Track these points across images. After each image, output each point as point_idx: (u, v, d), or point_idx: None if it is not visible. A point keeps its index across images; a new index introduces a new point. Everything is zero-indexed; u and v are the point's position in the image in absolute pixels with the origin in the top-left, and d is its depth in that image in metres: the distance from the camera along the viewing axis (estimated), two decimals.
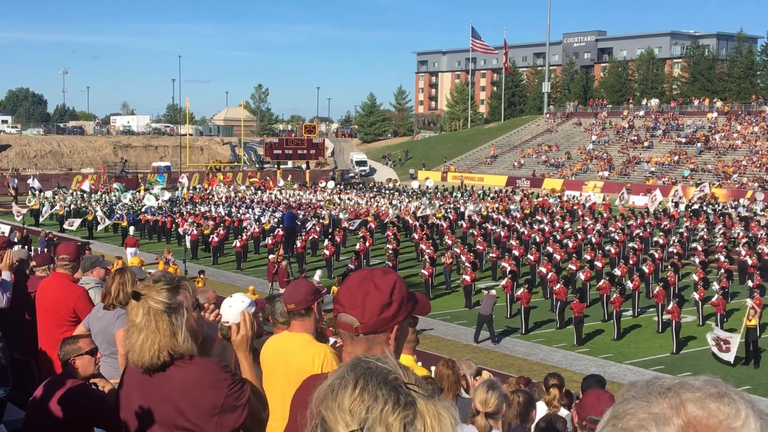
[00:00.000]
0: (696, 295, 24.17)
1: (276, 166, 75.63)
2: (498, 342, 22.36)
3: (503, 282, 25.81)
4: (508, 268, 27.59)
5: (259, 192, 61.41)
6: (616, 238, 33.41)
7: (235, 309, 4.08)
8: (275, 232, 36.00)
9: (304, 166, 76.73)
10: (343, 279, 20.28)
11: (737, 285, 27.97)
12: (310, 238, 35.53)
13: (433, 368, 7.00)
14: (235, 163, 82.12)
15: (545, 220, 39.29)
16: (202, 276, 26.14)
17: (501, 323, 23.83)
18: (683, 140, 68.17)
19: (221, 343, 4.03)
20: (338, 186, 66.80)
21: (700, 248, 31.13)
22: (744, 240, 32.91)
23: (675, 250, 31.30)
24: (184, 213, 44.68)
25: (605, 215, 41.68)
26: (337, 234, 35.06)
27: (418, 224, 38.54)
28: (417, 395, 1.29)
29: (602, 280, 25.29)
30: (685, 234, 35.39)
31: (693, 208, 45.23)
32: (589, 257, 29.48)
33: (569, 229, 36.22)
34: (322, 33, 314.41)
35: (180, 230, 38.35)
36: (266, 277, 29.19)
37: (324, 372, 3.28)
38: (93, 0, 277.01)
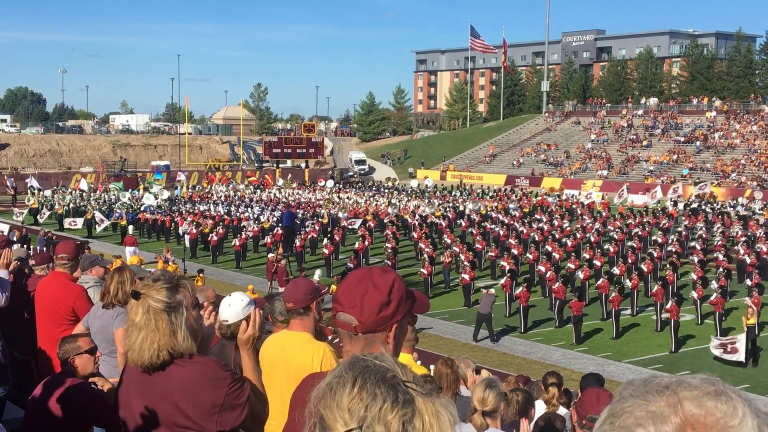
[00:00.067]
0: (695, 294, 24.19)
1: (275, 165, 75.61)
2: (497, 341, 22.37)
3: (502, 281, 25.81)
4: (507, 267, 27.60)
5: (258, 191, 61.40)
6: (615, 236, 33.42)
7: (234, 308, 4.08)
8: (274, 231, 36.00)
9: (303, 165, 76.71)
10: (341, 278, 20.28)
11: (736, 284, 27.98)
12: (309, 237, 35.53)
13: (432, 367, 7.00)
14: (235, 162, 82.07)
15: (544, 219, 39.28)
16: (201, 275, 26.12)
17: (500, 322, 23.83)
18: (682, 139, 68.19)
19: (220, 341, 4.03)
20: (337, 185, 66.76)
21: (698, 247, 31.14)
22: (743, 239, 32.92)
23: (674, 249, 31.30)
24: (183, 212, 44.65)
25: (604, 214, 41.69)
26: (336, 233, 35.06)
27: (417, 223, 38.53)
28: (415, 393, 1.30)
29: (601, 279, 25.29)
30: (684, 233, 35.39)
31: (692, 207, 45.26)
32: (588, 256, 29.47)
33: (568, 228, 36.23)
34: (321, 32, 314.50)
35: (180, 230, 38.32)
36: (265, 276, 29.19)
37: (323, 371, 3.29)
38: None
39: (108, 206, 48.11)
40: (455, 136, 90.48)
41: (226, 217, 41.82)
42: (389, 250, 31.32)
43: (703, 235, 34.17)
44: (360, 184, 70.91)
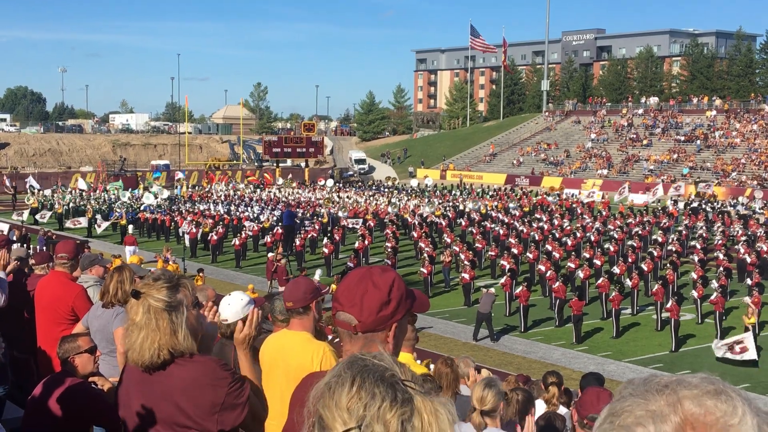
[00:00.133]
0: (695, 293, 24.19)
1: (275, 164, 75.63)
2: (497, 340, 22.37)
3: (502, 280, 25.81)
4: (507, 266, 27.60)
5: (258, 190, 61.40)
6: (615, 236, 33.42)
7: (234, 307, 4.08)
8: (274, 231, 36.01)
9: (303, 164, 76.72)
10: (341, 277, 20.29)
11: (736, 283, 27.98)
12: (309, 236, 35.54)
13: (432, 366, 7.00)
14: (234, 162, 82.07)
15: (544, 218, 39.29)
16: (201, 274, 26.12)
17: (500, 321, 23.83)
18: (682, 138, 68.19)
19: (220, 341, 4.03)
20: (337, 184, 66.78)
21: (699, 246, 31.13)
22: (743, 238, 32.93)
23: (674, 248, 31.29)
24: (183, 211, 44.66)
25: (604, 213, 41.68)
26: (336, 232, 35.06)
27: (417, 222, 38.54)
28: (414, 392, 1.30)
29: (601, 278, 25.29)
30: (684, 232, 35.40)
31: (692, 206, 45.27)
32: (588, 255, 29.47)
33: (568, 227, 36.24)
34: (321, 31, 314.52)
35: (180, 230, 38.33)
36: (265, 276, 29.19)
37: (323, 370, 3.29)
38: None
39: (108, 206, 48.13)
40: (455, 136, 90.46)
41: (225, 216, 41.83)
42: (389, 250, 31.32)
43: (704, 235, 34.17)
44: (360, 183, 70.92)
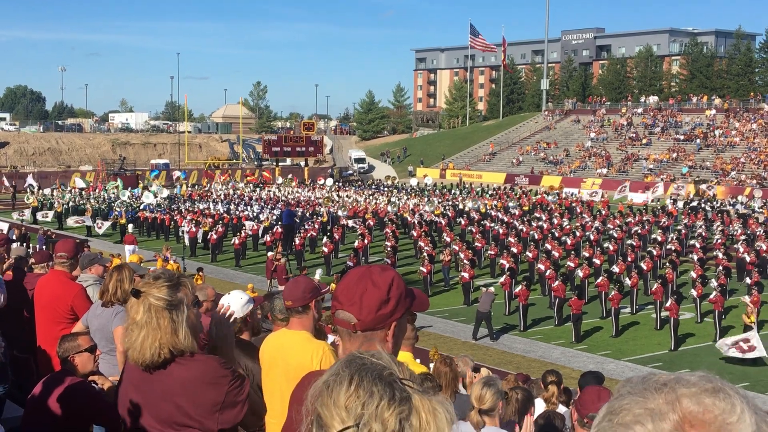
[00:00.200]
0: (694, 292, 24.19)
1: (275, 163, 75.59)
2: (496, 339, 22.37)
3: (502, 279, 25.81)
4: (507, 266, 27.59)
5: (258, 189, 61.39)
6: (615, 235, 33.42)
7: (233, 306, 4.08)
8: (274, 230, 36.00)
9: (302, 163, 76.68)
10: (341, 276, 20.28)
11: (735, 282, 28.00)
12: (309, 235, 35.53)
13: (431, 365, 7.00)
14: (234, 161, 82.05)
15: (544, 218, 39.29)
16: (200, 273, 26.11)
17: (499, 320, 23.83)
18: (682, 137, 68.18)
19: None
20: (337, 183, 66.79)
21: (698, 245, 31.14)
22: (742, 237, 32.93)
23: (673, 247, 31.30)
24: (183, 210, 44.66)
25: (603, 212, 41.69)
26: (336, 231, 35.06)
27: (416, 221, 38.53)
28: (412, 391, 1.30)
29: (601, 277, 25.29)
30: (684, 231, 35.40)
31: (691, 205, 45.28)
32: (587, 254, 29.47)
33: (567, 227, 36.24)
34: (321, 31, 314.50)
35: (180, 229, 38.30)
36: (265, 275, 29.19)
37: (322, 369, 3.29)
38: None
39: (108, 204, 48.12)
40: (455, 135, 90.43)
41: (225, 215, 41.81)
42: (389, 249, 31.32)
43: (703, 234, 34.18)
44: (359, 182, 70.91)
